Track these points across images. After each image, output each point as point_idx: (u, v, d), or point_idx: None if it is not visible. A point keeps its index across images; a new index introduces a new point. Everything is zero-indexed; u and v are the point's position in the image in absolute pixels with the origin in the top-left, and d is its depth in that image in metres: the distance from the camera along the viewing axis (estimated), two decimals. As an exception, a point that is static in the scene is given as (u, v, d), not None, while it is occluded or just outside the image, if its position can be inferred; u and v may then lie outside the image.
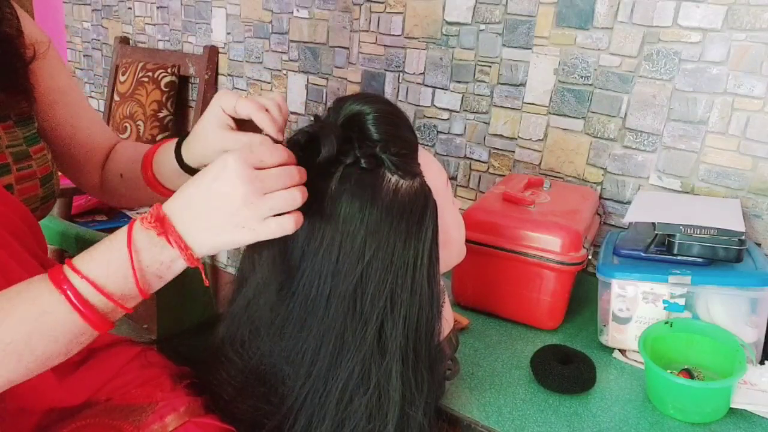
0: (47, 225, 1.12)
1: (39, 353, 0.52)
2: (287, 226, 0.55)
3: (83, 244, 1.09)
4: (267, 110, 0.64)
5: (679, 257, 0.93)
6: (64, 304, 0.52)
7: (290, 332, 0.62)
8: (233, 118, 0.66)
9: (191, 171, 0.72)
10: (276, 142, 0.62)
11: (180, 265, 0.56)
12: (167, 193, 0.77)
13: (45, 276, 0.54)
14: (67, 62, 2.54)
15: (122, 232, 0.55)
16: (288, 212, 0.55)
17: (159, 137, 2.05)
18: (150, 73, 2.07)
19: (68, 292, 0.52)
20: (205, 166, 0.69)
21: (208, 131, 0.68)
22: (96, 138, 0.84)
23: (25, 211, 0.67)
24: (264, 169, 0.55)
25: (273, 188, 0.54)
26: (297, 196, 0.56)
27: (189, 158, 0.72)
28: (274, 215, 0.55)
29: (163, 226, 0.54)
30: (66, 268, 0.54)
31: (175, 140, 0.75)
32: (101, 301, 0.53)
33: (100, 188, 0.86)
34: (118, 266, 0.54)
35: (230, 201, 0.53)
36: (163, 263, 0.55)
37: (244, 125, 0.67)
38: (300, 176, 0.57)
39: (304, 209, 0.57)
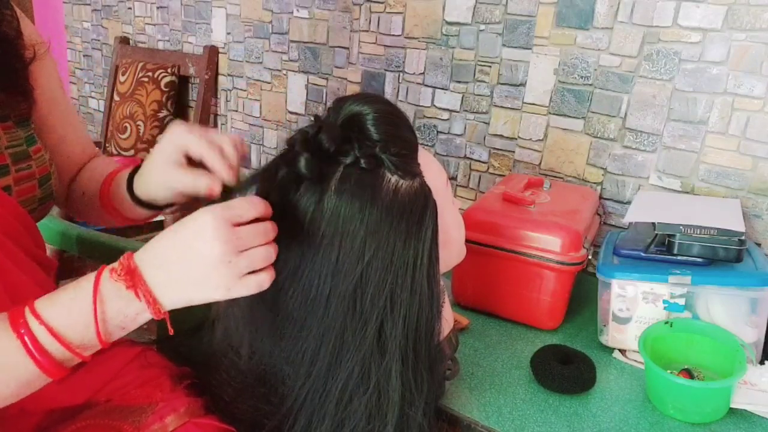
0: (48, 225, 1.12)
1: None
2: (264, 283, 0.55)
3: (83, 244, 1.10)
4: (221, 150, 0.64)
5: (679, 257, 0.93)
6: (20, 349, 0.51)
7: (290, 332, 0.62)
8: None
9: (140, 202, 0.73)
10: (224, 186, 0.63)
11: (145, 317, 0.55)
12: (119, 217, 0.78)
13: (5, 317, 0.52)
14: (67, 62, 2.54)
15: (89, 279, 0.54)
16: (262, 268, 0.55)
17: (159, 137, 2.05)
18: (150, 73, 2.07)
19: (25, 337, 0.51)
20: (151, 201, 0.71)
21: (157, 165, 0.67)
22: (78, 150, 0.84)
23: (22, 212, 0.67)
24: (241, 224, 0.54)
25: (250, 246, 0.54)
26: (272, 254, 0.56)
27: (138, 189, 0.72)
28: (249, 272, 0.54)
29: (132, 279, 0.53)
30: (27, 312, 0.52)
31: (125, 171, 0.76)
32: (58, 350, 0.52)
33: (65, 201, 0.85)
34: (80, 315, 0.52)
35: (207, 260, 0.52)
36: (128, 316, 0.54)
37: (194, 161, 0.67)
38: (273, 231, 0.57)
39: (305, 209, 0.58)
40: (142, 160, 0.74)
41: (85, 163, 0.85)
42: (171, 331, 0.56)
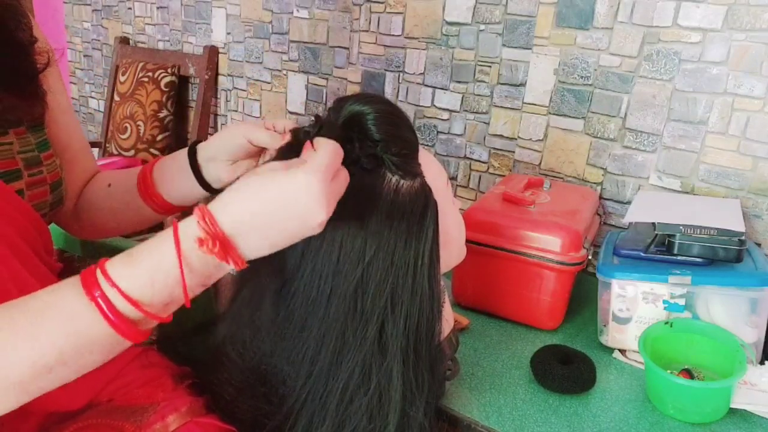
0: (51, 227, 1.12)
1: (72, 365, 0.50)
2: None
3: (86, 244, 1.10)
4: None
5: (679, 257, 0.94)
6: (103, 323, 0.49)
7: (291, 332, 0.62)
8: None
9: (199, 177, 0.74)
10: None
11: (227, 271, 0.54)
12: (157, 200, 0.77)
13: (77, 285, 0.50)
14: (67, 62, 2.54)
15: (166, 247, 0.50)
16: None
17: (159, 137, 2.06)
18: (150, 73, 2.07)
19: (103, 305, 0.49)
20: (220, 161, 0.72)
21: (240, 124, 0.71)
22: (84, 165, 0.84)
23: (36, 216, 0.67)
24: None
25: (341, 194, 0.55)
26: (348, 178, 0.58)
27: (206, 152, 0.74)
28: None
29: (224, 250, 0.50)
30: (101, 278, 0.50)
31: (180, 150, 0.77)
32: (141, 318, 0.50)
33: (73, 212, 0.84)
34: (165, 285, 0.50)
35: (305, 224, 0.52)
36: (212, 275, 0.53)
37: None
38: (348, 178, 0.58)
39: None
40: (144, 161, 0.75)
41: (91, 177, 0.85)
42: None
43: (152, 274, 0.50)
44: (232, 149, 0.71)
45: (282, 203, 0.51)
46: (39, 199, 0.70)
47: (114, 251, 1.05)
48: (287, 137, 0.65)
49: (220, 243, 0.50)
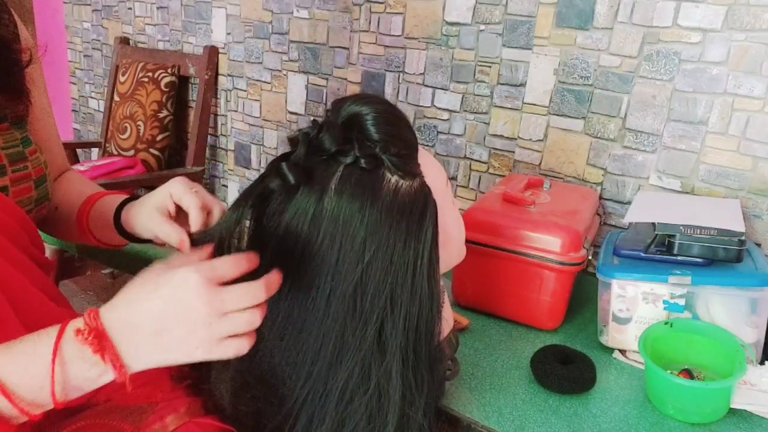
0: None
1: None
2: (243, 348, 0.52)
3: (83, 245, 1.09)
4: (208, 213, 0.69)
5: (679, 257, 0.93)
6: None
7: (290, 332, 0.62)
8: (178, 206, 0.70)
9: (123, 232, 0.75)
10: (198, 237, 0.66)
11: (108, 379, 0.51)
12: (91, 239, 0.79)
13: None
14: (67, 62, 2.54)
15: (50, 336, 0.50)
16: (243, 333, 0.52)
17: (159, 137, 2.06)
18: (150, 74, 2.07)
19: None
20: (133, 234, 0.74)
21: (146, 208, 0.71)
22: (54, 162, 0.84)
23: (20, 212, 0.67)
24: (226, 283, 0.51)
25: (234, 309, 0.51)
26: (257, 318, 0.52)
27: (125, 221, 0.75)
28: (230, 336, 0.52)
29: (100, 344, 0.49)
30: None
31: (118, 197, 0.78)
32: (6, 405, 0.49)
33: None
34: (37, 374, 0.49)
35: (187, 323, 0.49)
36: (89, 378, 0.50)
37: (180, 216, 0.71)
38: (263, 293, 0.53)
39: (305, 209, 0.58)
40: (133, 195, 0.77)
41: (58, 176, 0.86)
42: (129, 389, 0.51)
43: (27, 361, 0.49)
44: (155, 203, 0.71)
45: (159, 296, 0.50)
46: (24, 195, 0.70)
47: (109, 251, 1.05)
48: (181, 244, 0.66)
49: (96, 334, 0.49)
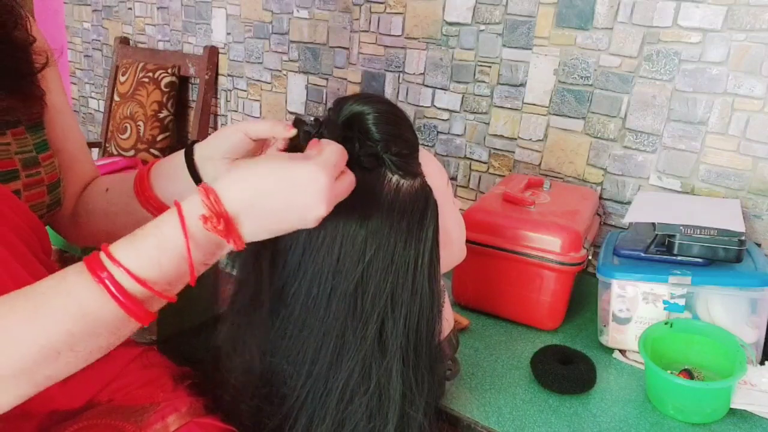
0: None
1: (80, 350, 0.50)
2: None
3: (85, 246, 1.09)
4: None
5: (679, 257, 0.94)
6: (111, 303, 0.49)
7: (291, 332, 0.62)
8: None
9: (195, 176, 0.73)
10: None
11: (227, 251, 0.55)
12: (154, 201, 0.76)
13: (83, 270, 0.50)
14: (67, 62, 2.54)
15: (171, 226, 0.51)
16: None
17: (159, 137, 2.06)
18: (150, 74, 2.07)
19: (109, 285, 0.49)
20: (218, 159, 0.70)
21: (228, 127, 0.69)
22: (79, 165, 0.82)
23: (33, 217, 0.67)
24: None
25: (340, 200, 0.56)
26: (354, 180, 0.58)
27: (204, 152, 0.72)
28: None
29: (228, 230, 0.51)
30: (105, 259, 0.50)
31: (177, 151, 0.75)
32: (148, 294, 0.51)
33: (71, 217, 0.83)
34: (172, 265, 0.51)
35: (305, 216, 0.53)
36: (215, 254, 0.54)
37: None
38: (354, 183, 0.58)
39: None
40: (144, 162, 0.74)
41: (91, 180, 0.84)
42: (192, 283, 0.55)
43: (158, 251, 0.51)
44: (230, 146, 0.69)
45: (288, 190, 0.52)
46: (36, 199, 0.70)
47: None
48: (290, 127, 0.63)
49: (225, 221, 0.51)
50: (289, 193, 0.52)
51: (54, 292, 0.50)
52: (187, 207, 0.52)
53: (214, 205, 0.51)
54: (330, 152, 0.55)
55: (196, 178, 0.73)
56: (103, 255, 0.51)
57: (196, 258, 0.52)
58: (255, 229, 0.53)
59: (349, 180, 0.57)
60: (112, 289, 0.49)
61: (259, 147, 0.71)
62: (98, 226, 0.82)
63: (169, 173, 0.75)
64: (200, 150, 0.73)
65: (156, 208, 0.77)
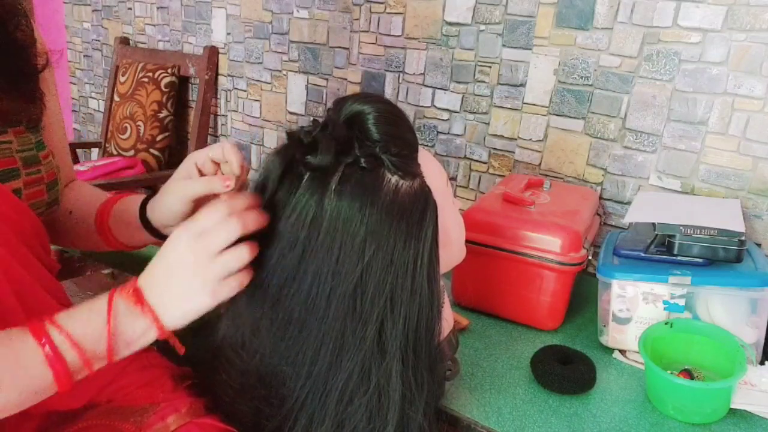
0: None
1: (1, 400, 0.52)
2: (243, 281, 0.59)
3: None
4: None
5: (679, 257, 0.93)
6: (38, 356, 0.53)
7: (290, 333, 0.62)
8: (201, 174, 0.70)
9: (152, 230, 0.75)
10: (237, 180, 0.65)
11: (151, 337, 0.58)
12: (114, 242, 0.79)
13: (25, 328, 0.54)
14: (67, 63, 2.54)
15: (103, 297, 0.57)
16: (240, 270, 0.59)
17: (159, 137, 2.06)
18: (150, 74, 2.07)
19: (46, 346, 0.53)
20: (164, 224, 0.73)
21: (173, 182, 0.71)
22: (65, 172, 0.83)
23: (33, 216, 0.67)
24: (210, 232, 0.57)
25: (220, 248, 0.57)
26: (245, 253, 0.58)
27: (154, 215, 0.74)
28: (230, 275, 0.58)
29: (138, 298, 0.57)
30: (47, 323, 0.55)
31: (139, 195, 0.78)
32: (74, 359, 0.54)
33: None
34: (96, 326, 0.55)
35: (183, 270, 0.57)
36: (135, 332, 0.57)
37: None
38: (255, 222, 0.59)
39: (305, 209, 0.58)
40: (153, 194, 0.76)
41: (66, 184, 0.85)
42: (181, 351, 0.61)
43: (89, 315, 0.56)
44: (182, 214, 0.70)
45: (164, 255, 0.58)
46: (36, 198, 0.70)
47: (110, 253, 1.05)
48: (226, 179, 0.64)
49: (134, 290, 0.57)
50: (164, 256, 0.58)
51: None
52: (120, 287, 0.58)
53: (131, 282, 0.58)
54: (197, 215, 0.59)
55: (155, 232, 0.76)
56: (47, 321, 0.55)
57: (116, 326, 0.56)
58: (160, 298, 0.57)
59: (227, 229, 0.57)
60: (48, 350, 0.53)
61: (208, 197, 0.70)
62: (67, 241, 0.84)
63: (129, 229, 0.78)
64: (150, 213, 0.75)
65: (117, 247, 0.80)
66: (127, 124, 2.10)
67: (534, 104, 1.34)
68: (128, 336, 0.57)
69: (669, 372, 0.83)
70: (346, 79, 1.66)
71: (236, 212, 0.58)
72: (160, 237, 0.76)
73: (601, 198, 1.28)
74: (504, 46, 1.36)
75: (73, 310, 0.56)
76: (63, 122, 0.83)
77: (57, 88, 0.81)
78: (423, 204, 0.63)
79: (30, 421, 0.63)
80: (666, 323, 0.89)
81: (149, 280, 0.58)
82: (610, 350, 0.97)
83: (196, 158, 0.69)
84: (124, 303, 0.57)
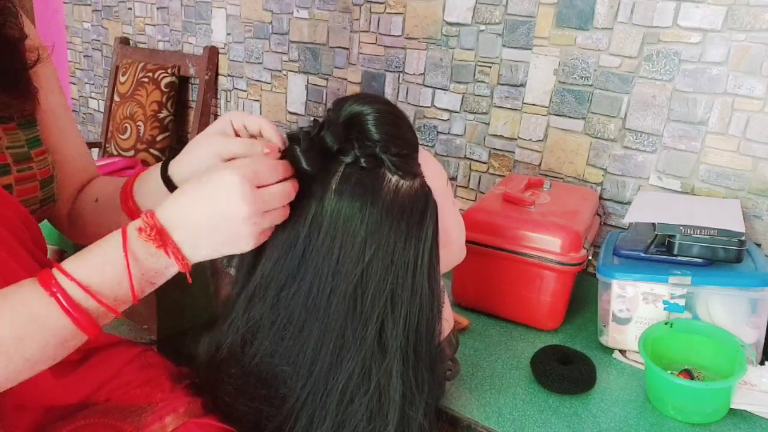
0: (48, 225, 1.12)
1: (28, 356, 0.52)
2: (271, 230, 0.60)
3: (81, 246, 1.09)
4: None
5: (679, 258, 0.93)
6: (54, 307, 0.52)
7: (291, 332, 0.62)
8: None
9: (173, 189, 0.70)
10: (280, 152, 0.62)
11: (173, 271, 0.57)
12: (138, 215, 0.75)
13: (35, 280, 0.53)
14: (67, 62, 2.54)
15: (115, 239, 0.55)
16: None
17: (159, 138, 2.06)
18: (150, 74, 2.07)
19: (58, 295, 0.52)
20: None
21: (205, 137, 0.67)
22: (78, 168, 0.82)
23: (24, 212, 0.67)
24: (265, 186, 0.56)
25: (273, 207, 0.57)
26: (287, 211, 0.59)
27: (181, 169, 0.70)
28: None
29: (161, 239, 0.55)
30: (56, 272, 0.53)
31: (158, 163, 0.74)
32: (94, 306, 0.53)
33: (67, 219, 0.83)
34: (114, 273, 0.54)
35: (233, 221, 0.55)
36: (158, 271, 0.56)
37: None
38: (294, 191, 0.60)
39: (305, 209, 0.58)
40: (144, 163, 0.73)
41: (89, 181, 0.83)
42: (189, 280, 0.58)
43: (102, 262, 0.54)
44: (203, 169, 0.66)
45: (207, 195, 0.55)
46: (28, 194, 0.70)
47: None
48: (269, 146, 0.62)
49: (157, 231, 0.54)
50: (209, 200, 0.55)
51: (8, 301, 0.52)
52: (131, 224, 0.56)
53: (149, 218, 0.55)
54: (251, 160, 0.58)
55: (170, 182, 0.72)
56: (54, 270, 0.54)
57: (137, 271, 0.54)
58: (190, 239, 0.55)
59: (283, 187, 0.58)
60: (62, 300, 0.52)
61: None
62: (92, 232, 0.81)
63: (152, 194, 0.74)
64: (175, 169, 0.71)
65: (137, 214, 0.75)
66: (127, 125, 2.10)
67: (534, 104, 1.34)
68: (151, 276, 0.56)
69: (669, 372, 0.83)
70: (346, 79, 1.66)
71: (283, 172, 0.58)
72: None
73: (601, 198, 1.28)
74: (504, 46, 1.36)
75: (85, 257, 0.55)
76: (72, 119, 0.81)
77: (59, 83, 0.80)
78: (423, 204, 0.63)
79: (28, 416, 0.62)
80: (666, 323, 0.89)
81: (179, 219, 0.55)
82: (610, 350, 0.97)
83: (233, 117, 0.66)
84: (143, 246, 0.54)
